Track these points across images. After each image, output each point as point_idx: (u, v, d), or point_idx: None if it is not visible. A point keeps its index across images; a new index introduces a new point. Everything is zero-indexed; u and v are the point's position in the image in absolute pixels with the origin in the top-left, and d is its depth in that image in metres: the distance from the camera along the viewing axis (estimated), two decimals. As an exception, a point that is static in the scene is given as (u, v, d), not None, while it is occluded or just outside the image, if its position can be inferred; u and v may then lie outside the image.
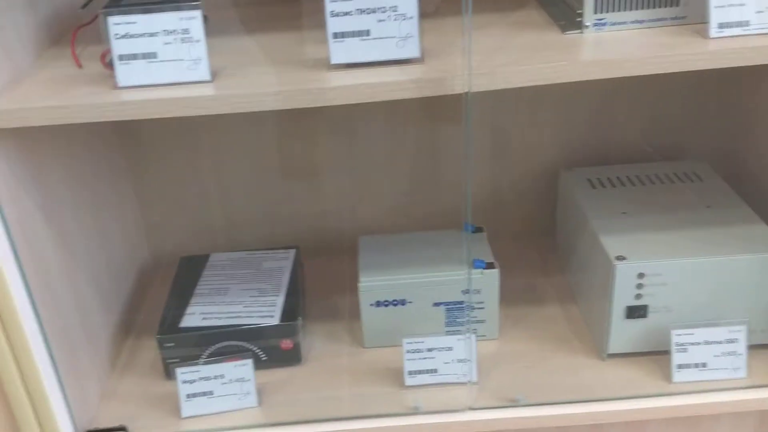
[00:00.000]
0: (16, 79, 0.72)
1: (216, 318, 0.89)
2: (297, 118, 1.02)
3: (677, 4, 0.72)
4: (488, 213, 1.07)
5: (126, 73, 0.67)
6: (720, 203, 0.91)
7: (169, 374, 0.88)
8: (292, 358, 0.90)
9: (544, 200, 1.09)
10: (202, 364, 0.82)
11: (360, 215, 1.09)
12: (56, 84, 0.71)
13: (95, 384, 0.86)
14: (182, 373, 0.81)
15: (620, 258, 0.82)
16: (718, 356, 0.83)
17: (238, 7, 0.90)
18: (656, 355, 0.86)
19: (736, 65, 0.67)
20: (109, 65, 0.69)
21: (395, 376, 0.87)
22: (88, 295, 0.87)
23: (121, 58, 0.67)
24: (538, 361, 0.88)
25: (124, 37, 0.66)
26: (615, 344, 0.86)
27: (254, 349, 0.88)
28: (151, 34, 0.66)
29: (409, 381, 0.85)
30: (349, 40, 0.66)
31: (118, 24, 0.66)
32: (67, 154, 0.84)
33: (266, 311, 0.89)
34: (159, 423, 0.83)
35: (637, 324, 0.85)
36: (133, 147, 1.03)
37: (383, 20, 0.65)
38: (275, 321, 0.88)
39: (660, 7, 0.72)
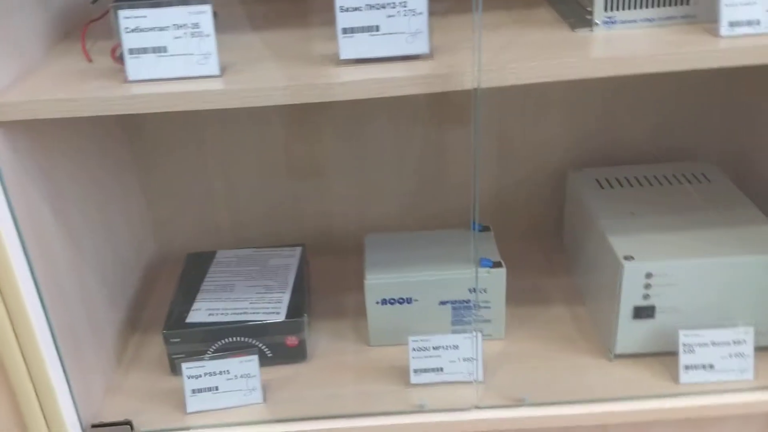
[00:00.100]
0: (26, 72, 0.73)
1: (222, 314, 0.89)
2: (304, 116, 1.02)
3: (687, 3, 0.72)
4: (495, 213, 1.07)
5: (136, 67, 0.67)
6: (728, 204, 0.91)
7: (175, 370, 0.88)
8: (297, 355, 0.89)
9: (550, 201, 1.08)
10: (208, 359, 0.82)
11: (366, 214, 1.09)
12: (66, 77, 0.71)
13: (101, 378, 0.87)
14: (188, 368, 0.81)
15: (628, 258, 0.82)
16: (725, 358, 0.82)
17: (246, 4, 0.90)
18: (663, 356, 0.86)
19: (746, 64, 0.66)
20: (119, 59, 0.69)
21: (401, 375, 0.87)
22: (94, 289, 0.87)
23: (131, 52, 0.67)
24: (545, 361, 0.88)
25: (134, 31, 0.66)
26: (622, 345, 0.86)
27: (260, 345, 0.88)
28: (161, 29, 0.66)
29: (414, 379, 0.85)
30: (358, 36, 0.66)
31: (128, 18, 0.66)
32: (76, 149, 0.84)
33: (272, 308, 0.89)
34: (164, 418, 0.83)
35: (645, 324, 0.85)
36: (141, 143, 1.03)
37: (393, 16, 0.65)
38: (281, 318, 0.88)
39: (670, 5, 0.72)
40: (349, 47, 0.67)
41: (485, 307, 0.90)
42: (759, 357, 0.82)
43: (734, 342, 0.82)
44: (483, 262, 0.88)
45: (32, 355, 0.73)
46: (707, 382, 0.83)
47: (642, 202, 0.92)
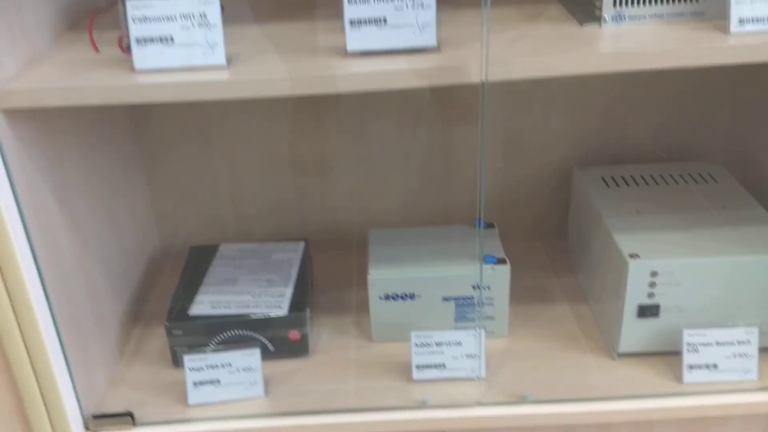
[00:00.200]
0: (32, 62, 0.73)
1: (225, 307, 0.88)
2: (309, 112, 1.02)
3: (697, 0, 0.72)
4: (499, 211, 1.07)
5: (142, 57, 0.67)
6: (734, 204, 0.90)
7: (177, 362, 0.88)
8: (299, 349, 0.89)
9: (555, 199, 1.08)
10: (210, 352, 0.82)
11: (370, 210, 1.09)
12: (73, 67, 0.71)
13: (103, 370, 0.86)
14: (190, 360, 0.81)
15: (634, 256, 0.81)
16: (729, 358, 0.82)
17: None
18: (667, 356, 0.85)
19: (755, 61, 0.66)
20: (126, 49, 0.69)
21: (403, 371, 0.86)
22: (98, 281, 0.87)
23: (138, 41, 0.67)
24: (548, 359, 0.88)
25: (141, 20, 0.66)
26: (626, 343, 0.86)
27: (262, 339, 0.88)
28: (169, 18, 0.66)
29: (416, 375, 0.85)
30: (365, 28, 0.66)
31: (135, 7, 0.66)
32: (82, 140, 0.84)
33: (275, 302, 0.89)
34: (165, 410, 0.83)
35: (649, 323, 0.84)
36: (147, 137, 1.03)
37: (401, 8, 0.65)
38: (283, 312, 0.88)
39: (679, 2, 0.72)
40: (356, 39, 0.66)
41: (489, 304, 0.90)
42: (763, 358, 0.82)
43: (738, 342, 0.82)
44: (487, 259, 0.88)
45: (35, 345, 0.73)
46: (711, 382, 0.82)
47: (648, 201, 0.92)
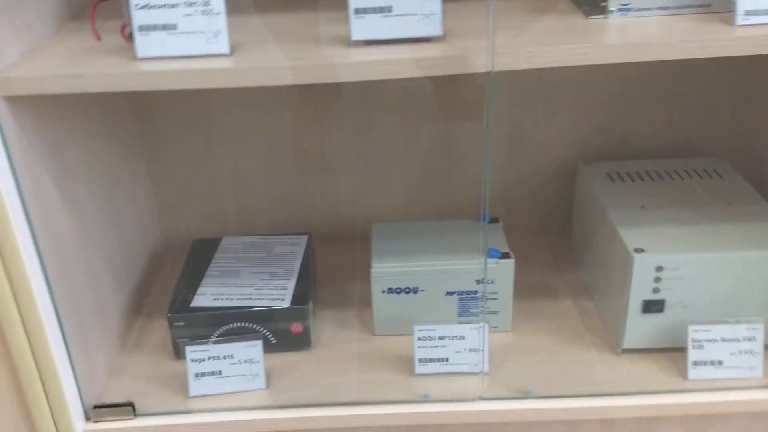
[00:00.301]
0: (34, 50, 0.72)
1: (227, 299, 0.88)
2: (312, 105, 1.01)
3: (704, -8, 0.71)
4: (503, 206, 1.07)
5: (145, 44, 0.67)
6: (740, 200, 0.90)
7: (179, 354, 0.87)
8: (301, 342, 0.89)
9: (559, 195, 1.07)
10: (212, 343, 0.81)
11: (373, 205, 1.08)
12: (74, 54, 0.70)
13: (104, 360, 0.86)
14: (192, 351, 0.81)
15: (639, 250, 0.81)
16: (734, 354, 0.81)
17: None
18: (671, 352, 0.85)
19: (762, 53, 0.65)
20: (129, 37, 0.69)
21: (405, 364, 0.86)
22: (100, 272, 0.87)
23: (141, 29, 0.66)
24: (551, 355, 0.87)
25: (144, 7, 0.66)
26: (630, 339, 0.85)
27: (264, 331, 0.87)
28: (172, 6, 0.66)
29: (419, 369, 0.84)
30: (370, 17, 0.65)
31: (139, -6, 0.66)
32: (84, 130, 0.84)
33: (277, 294, 0.89)
34: (166, 401, 0.82)
35: (654, 319, 0.84)
36: (149, 130, 1.03)
37: (406, -3, 0.65)
38: (286, 304, 0.87)
39: (686, -7, 0.71)
40: (361, 28, 0.66)
41: (492, 299, 0.89)
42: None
43: (744, 338, 0.81)
44: (491, 253, 0.87)
45: (36, 334, 0.72)
46: (715, 379, 0.82)
47: (653, 196, 0.91)
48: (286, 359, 0.88)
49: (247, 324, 0.87)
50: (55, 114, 0.76)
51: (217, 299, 0.88)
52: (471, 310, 0.90)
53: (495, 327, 0.90)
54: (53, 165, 0.76)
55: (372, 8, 0.65)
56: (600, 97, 1.01)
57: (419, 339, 0.83)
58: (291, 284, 0.91)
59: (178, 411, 0.81)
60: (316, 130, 1.03)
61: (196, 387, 0.82)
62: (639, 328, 0.84)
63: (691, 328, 0.81)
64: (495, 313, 0.90)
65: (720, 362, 0.82)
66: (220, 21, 0.66)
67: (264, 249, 0.99)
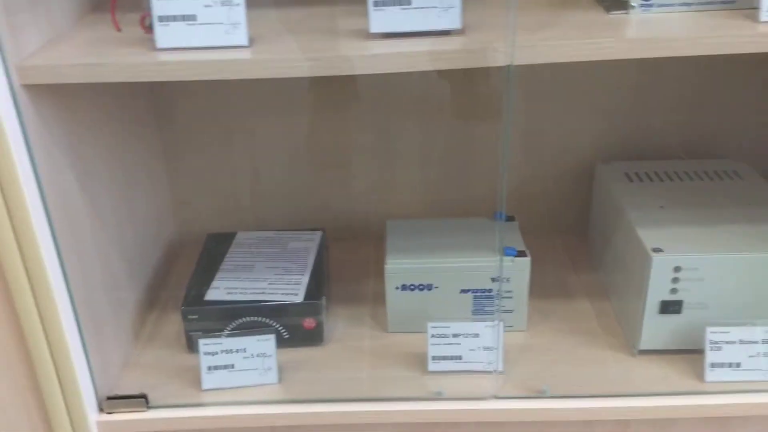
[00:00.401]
0: (54, 40, 0.73)
1: (241, 293, 0.88)
2: (329, 102, 1.01)
3: (727, -12, 0.70)
4: (519, 205, 1.05)
5: (164, 35, 0.67)
6: (760, 201, 0.89)
7: (192, 347, 0.87)
8: (314, 337, 0.89)
9: (574, 196, 1.07)
10: (225, 337, 0.81)
11: (387, 202, 1.08)
12: (94, 45, 0.71)
13: (118, 353, 0.86)
14: (205, 344, 0.80)
15: (657, 250, 0.80)
16: (753, 356, 0.80)
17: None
18: (688, 354, 0.83)
19: (787, 50, 0.65)
20: (149, 28, 0.69)
21: (418, 362, 0.85)
22: (116, 265, 0.87)
23: (161, 19, 0.67)
24: (566, 355, 0.86)
25: (164, -2, 0.66)
26: (647, 340, 0.84)
27: (277, 326, 0.87)
28: (192, -4, 0.66)
29: (432, 366, 0.84)
30: (389, 9, 0.65)
31: (158, -15, 0.66)
32: (102, 123, 0.84)
33: (290, 289, 0.89)
34: (179, 394, 0.82)
35: (671, 320, 0.83)
36: (167, 125, 1.03)
37: (426, -11, 0.64)
38: (299, 299, 0.87)
39: (709, -11, 0.71)
40: (380, 20, 0.66)
41: (507, 297, 0.88)
42: (788, 357, 0.80)
43: (762, 341, 0.80)
44: (507, 251, 0.87)
45: (52, 325, 0.73)
46: (733, 381, 0.80)
47: (672, 197, 0.90)
48: (298, 354, 0.87)
49: (260, 318, 0.87)
50: (75, 106, 0.77)
51: (231, 293, 0.88)
52: (485, 309, 0.89)
53: (510, 326, 0.90)
54: (72, 157, 0.76)
55: (391, 1, 0.65)
56: (618, 96, 1.00)
57: (433, 336, 0.82)
58: (304, 279, 0.91)
59: (191, 404, 0.81)
60: (332, 127, 1.03)
61: (208, 380, 0.82)
62: (656, 329, 0.83)
63: (709, 329, 0.80)
64: (510, 311, 0.89)
65: (738, 364, 0.80)
66: (240, 12, 0.66)
67: (278, 244, 0.99)
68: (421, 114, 1.01)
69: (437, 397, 0.81)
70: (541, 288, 0.96)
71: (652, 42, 0.64)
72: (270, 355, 0.82)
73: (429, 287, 0.88)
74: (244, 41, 0.67)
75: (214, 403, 0.81)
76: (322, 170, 1.06)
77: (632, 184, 0.94)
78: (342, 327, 0.92)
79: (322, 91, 1.01)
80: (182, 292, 0.90)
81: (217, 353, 0.81)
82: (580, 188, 1.06)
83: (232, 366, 0.82)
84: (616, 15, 0.71)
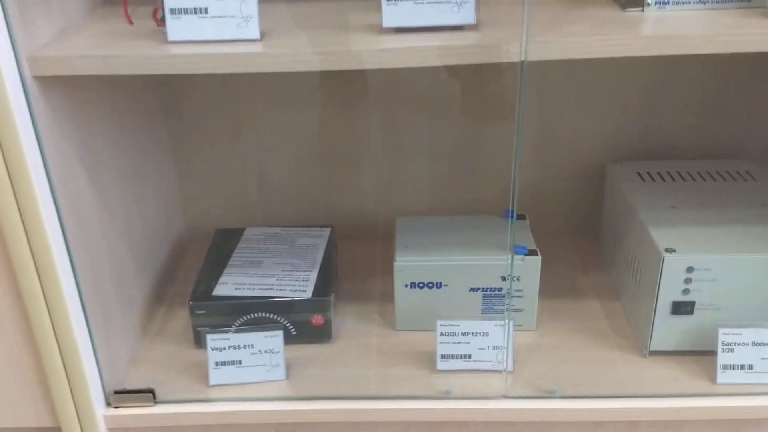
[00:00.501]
0: (66, 32, 0.72)
1: (249, 289, 0.88)
2: (339, 99, 1.01)
3: (744, -14, 0.70)
4: (530, 204, 1.05)
5: (176, 28, 0.67)
6: (774, 202, 0.88)
7: (199, 343, 0.87)
8: (322, 334, 0.88)
9: (585, 195, 1.06)
10: (233, 332, 0.81)
11: (397, 199, 1.07)
12: (106, 37, 0.70)
13: (126, 347, 0.86)
14: (212, 339, 0.80)
15: (669, 250, 0.79)
16: (765, 359, 0.79)
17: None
18: (700, 355, 0.83)
19: (805, 49, 0.64)
20: (160, 21, 0.69)
21: (427, 360, 0.85)
22: (124, 259, 0.86)
23: (173, 12, 0.66)
24: (576, 355, 0.86)
25: (176, -9, 0.66)
26: (658, 341, 0.83)
27: (285, 322, 0.87)
28: (204, -11, 0.66)
29: (441, 365, 0.83)
30: (402, 3, 0.65)
31: (171, -23, 0.65)
32: (112, 117, 0.84)
33: (299, 286, 0.88)
34: (186, 389, 0.82)
35: (683, 321, 0.82)
36: (176, 120, 1.03)
37: (439, -16, 0.64)
38: (307, 295, 0.87)
39: (726, -13, 0.70)
40: (393, 15, 0.65)
41: (517, 296, 0.88)
42: (801, 360, 0.79)
43: (775, 343, 0.79)
44: (518, 250, 0.86)
45: (60, 319, 0.72)
46: (745, 384, 0.80)
47: (684, 197, 0.89)
48: (306, 351, 0.87)
49: (268, 314, 0.86)
50: (85, 99, 0.76)
51: (239, 289, 0.88)
52: (495, 307, 0.88)
53: (519, 325, 0.89)
54: (81, 150, 0.75)
55: (405, -5, 0.64)
56: (630, 96, 1.00)
57: (442, 334, 0.82)
58: (313, 276, 0.90)
59: (198, 399, 0.81)
60: (342, 124, 1.02)
61: (216, 376, 0.81)
62: (667, 330, 0.82)
63: (721, 331, 0.79)
64: (520, 311, 0.89)
65: (750, 366, 0.80)
66: (252, 6, 0.66)
67: (287, 240, 0.98)
68: (432, 111, 1.01)
69: (446, 396, 0.80)
70: (551, 287, 0.95)
71: (668, 39, 0.64)
72: (277, 352, 0.82)
73: (438, 285, 0.88)
74: (256, 35, 0.67)
75: (221, 398, 0.81)
76: (332, 166, 1.05)
77: (644, 184, 0.93)
78: (350, 324, 0.92)
79: (331, 87, 1.00)
80: (190, 287, 0.89)
81: (224, 349, 0.81)
82: (591, 188, 1.05)
83: (240, 362, 0.81)
84: (632, 12, 0.71)
